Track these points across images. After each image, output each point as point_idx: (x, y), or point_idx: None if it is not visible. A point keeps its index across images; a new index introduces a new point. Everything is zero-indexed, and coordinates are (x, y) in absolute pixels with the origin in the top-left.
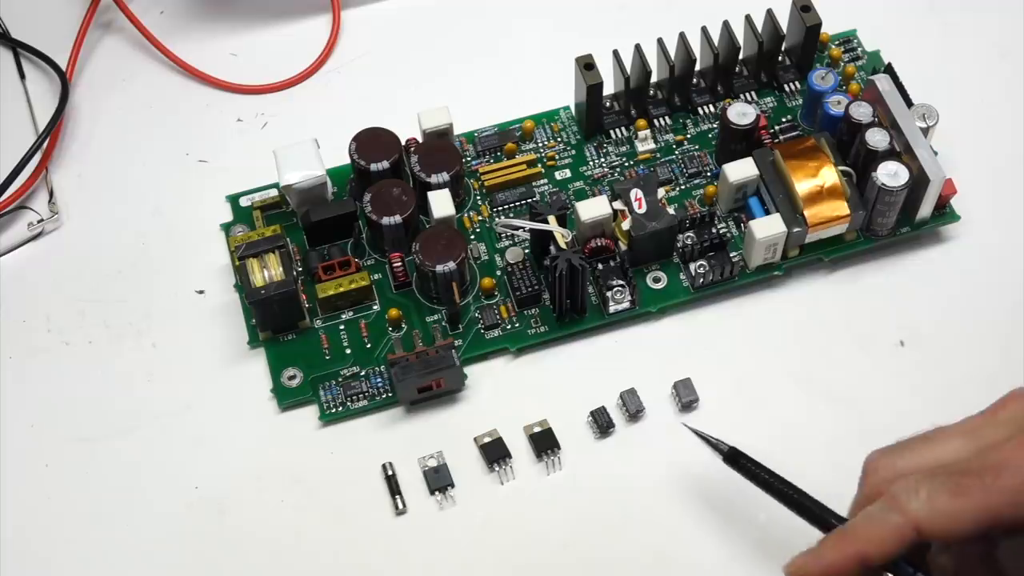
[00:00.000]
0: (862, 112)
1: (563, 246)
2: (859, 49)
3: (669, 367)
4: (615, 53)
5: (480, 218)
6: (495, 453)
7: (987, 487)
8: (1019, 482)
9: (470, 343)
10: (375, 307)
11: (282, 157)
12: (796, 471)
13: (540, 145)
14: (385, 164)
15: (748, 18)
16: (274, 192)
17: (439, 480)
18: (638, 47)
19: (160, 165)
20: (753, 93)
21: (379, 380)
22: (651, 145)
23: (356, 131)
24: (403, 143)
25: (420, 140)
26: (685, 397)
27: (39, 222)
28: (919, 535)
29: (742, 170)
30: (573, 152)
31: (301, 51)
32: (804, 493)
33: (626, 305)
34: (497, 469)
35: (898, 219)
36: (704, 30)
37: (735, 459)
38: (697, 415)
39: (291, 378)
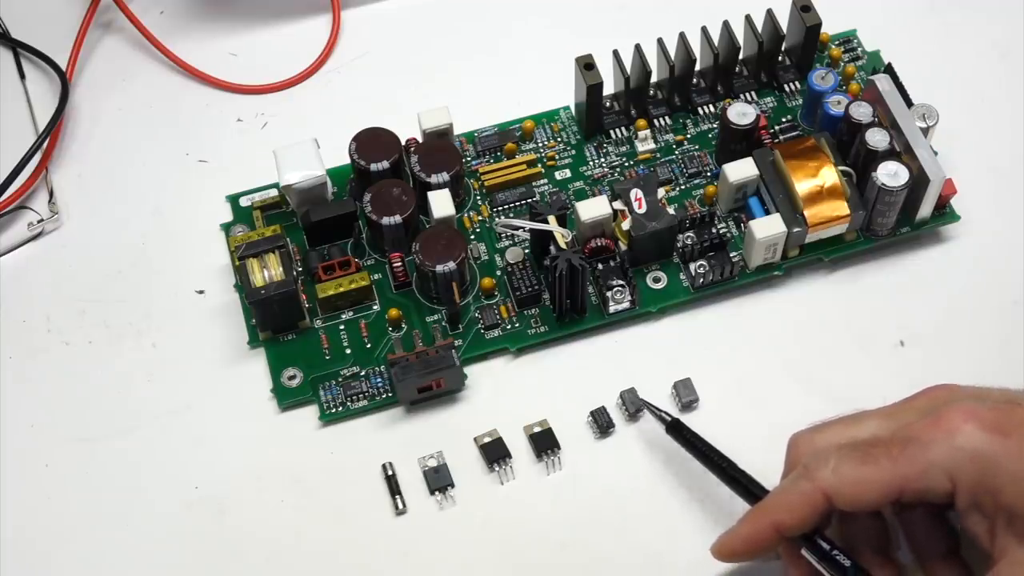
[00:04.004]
0: (862, 112)
1: (563, 246)
2: (859, 49)
3: (669, 367)
4: (615, 53)
5: (480, 218)
6: (495, 453)
7: (894, 457)
8: (926, 455)
9: (470, 343)
10: (375, 307)
11: (282, 157)
12: None
13: (540, 145)
14: (385, 164)
15: (748, 18)
16: (274, 192)
17: (439, 480)
18: (638, 47)
19: (160, 165)
20: (753, 93)
21: (379, 380)
22: (651, 145)
23: (356, 131)
24: (403, 143)
25: (420, 140)
26: (685, 397)
27: (39, 222)
28: (830, 502)
29: (742, 170)
30: (573, 152)
31: (301, 51)
32: (737, 467)
33: (626, 305)
34: (497, 469)
35: (898, 219)
36: (704, 30)
37: (678, 429)
38: (697, 415)
39: (291, 378)
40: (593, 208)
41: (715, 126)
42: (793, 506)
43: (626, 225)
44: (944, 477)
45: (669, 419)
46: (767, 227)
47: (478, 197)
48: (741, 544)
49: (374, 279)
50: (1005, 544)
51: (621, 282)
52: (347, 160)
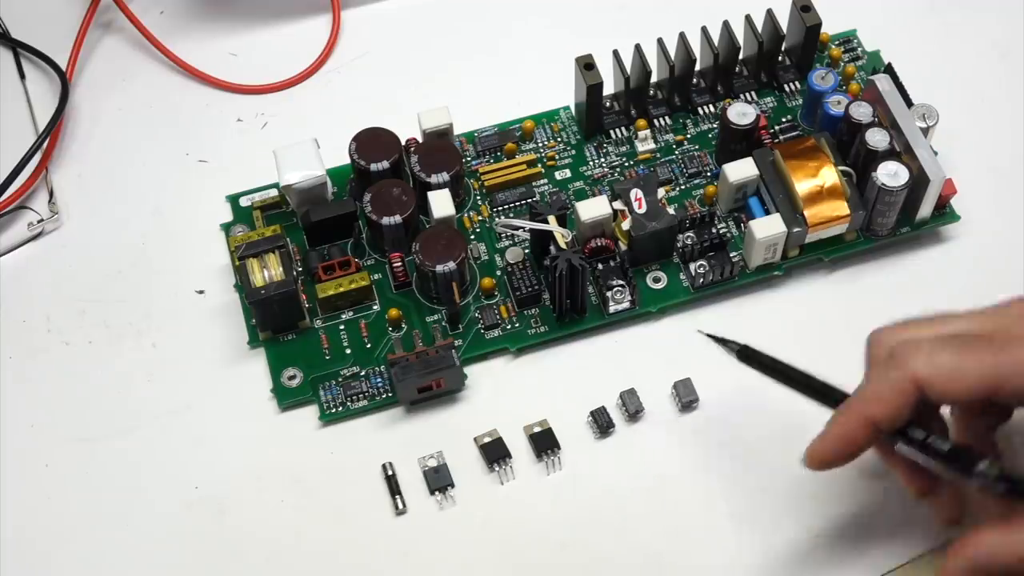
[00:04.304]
0: (862, 112)
1: (563, 246)
2: (859, 49)
3: (669, 367)
4: (615, 53)
5: (480, 218)
6: (495, 453)
7: (995, 351)
8: None
9: (470, 343)
10: (375, 307)
11: (282, 157)
12: (796, 470)
13: (540, 145)
14: (385, 164)
15: (748, 18)
16: (274, 192)
17: (439, 480)
18: (638, 47)
19: (160, 165)
20: (753, 93)
21: (379, 380)
22: (651, 145)
23: (356, 131)
24: (403, 143)
25: (420, 140)
26: (685, 397)
27: (39, 222)
28: (921, 392)
29: (742, 170)
30: (573, 152)
31: (301, 51)
32: (814, 377)
33: (626, 305)
34: (497, 469)
35: (898, 219)
36: (704, 30)
37: (748, 356)
38: (697, 415)
39: (291, 378)
40: (593, 208)
41: (715, 126)
42: (884, 397)
43: (626, 225)
44: None
45: (737, 347)
46: (767, 227)
47: (478, 197)
48: (833, 446)
49: (374, 279)
50: None
51: (621, 282)
52: (347, 160)
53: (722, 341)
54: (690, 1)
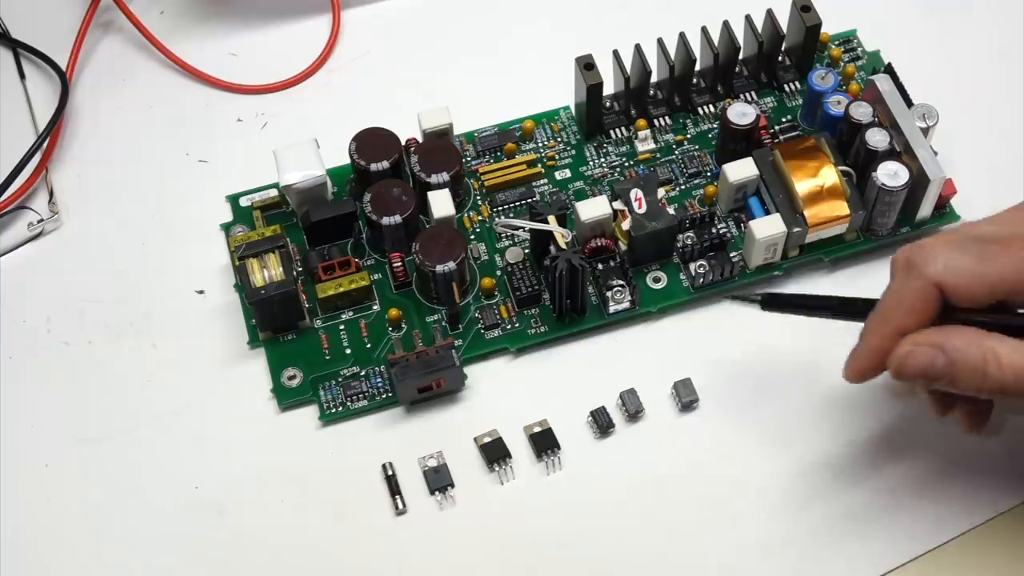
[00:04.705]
0: (862, 112)
1: (563, 246)
2: (859, 49)
3: (669, 367)
4: (615, 53)
5: (480, 218)
6: (495, 453)
7: (1013, 254)
8: None
9: (470, 343)
10: (375, 307)
11: (282, 157)
12: (796, 470)
13: (540, 145)
14: (385, 164)
15: (748, 18)
16: (274, 192)
17: (439, 480)
18: (638, 47)
19: (160, 165)
20: (753, 93)
21: (379, 380)
22: (651, 145)
23: (356, 131)
24: (403, 143)
25: (420, 140)
26: (685, 397)
27: (39, 222)
28: (943, 296)
29: (742, 170)
30: (573, 152)
31: (301, 51)
32: (848, 301)
33: (626, 305)
34: (497, 469)
35: (898, 219)
36: (704, 30)
37: (774, 303)
38: (697, 415)
39: (291, 378)
40: (593, 208)
41: (715, 126)
42: (908, 304)
43: (626, 225)
44: None
45: (760, 298)
46: (767, 227)
47: (478, 197)
48: (868, 358)
49: (374, 279)
50: None
51: (621, 282)
52: (347, 160)
53: (744, 298)
54: (690, 1)
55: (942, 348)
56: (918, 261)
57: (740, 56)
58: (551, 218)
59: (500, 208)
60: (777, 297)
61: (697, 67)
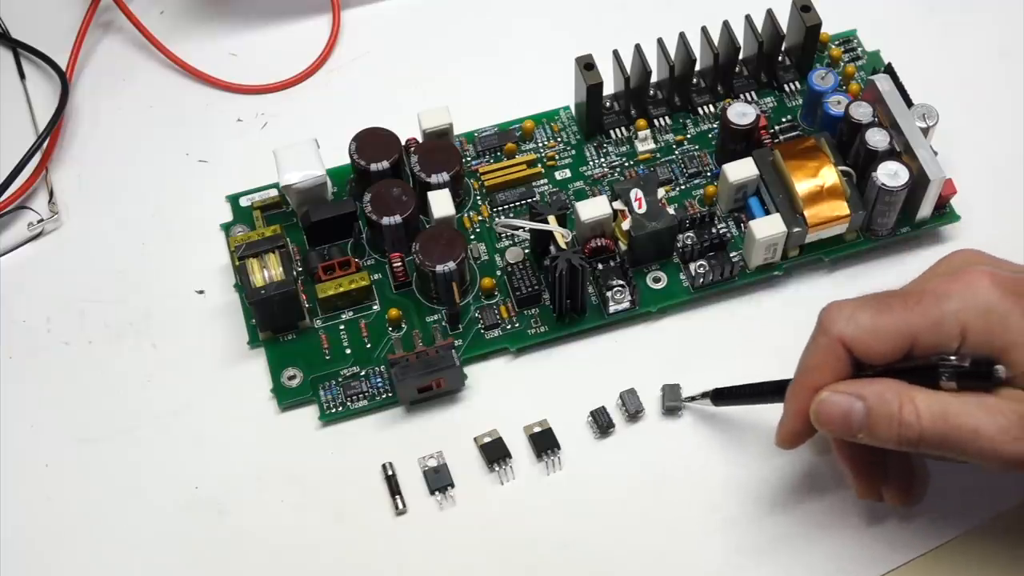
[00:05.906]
0: (862, 112)
1: (563, 246)
2: (859, 49)
3: (669, 367)
4: (615, 53)
5: (480, 218)
6: (495, 453)
7: (910, 307)
8: (940, 305)
9: (470, 343)
10: (375, 307)
11: (282, 157)
12: (796, 470)
13: (540, 145)
14: (385, 164)
15: (748, 18)
16: (274, 192)
17: (439, 480)
18: (638, 47)
19: (160, 165)
20: (753, 93)
21: (379, 380)
22: (651, 145)
23: (356, 131)
24: (403, 143)
25: (420, 140)
26: (668, 401)
27: (39, 222)
28: (850, 351)
29: (742, 170)
30: (573, 152)
31: (301, 51)
32: (779, 383)
33: (626, 305)
34: (497, 469)
35: (898, 219)
36: (704, 30)
37: (721, 396)
38: (697, 415)
39: (291, 378)
40: (593, 208)
41: (715, 126)
42: (818, 362)
43: (626, 225)
44: (956, 328)
45: (710, 393)
46: (767, 227)
47: (478, 197)
48: (792, 421)
49: (374, 279)
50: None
51: (621, 282)
52: (347, 160)
53: (692, 399)
54: (690, 1)
55: (859, 395)
56: (825, 320)
57: (740, 56)
58: (551, 218)
59: (500, 208)
60: (724, 394)
61: (697, 67)
